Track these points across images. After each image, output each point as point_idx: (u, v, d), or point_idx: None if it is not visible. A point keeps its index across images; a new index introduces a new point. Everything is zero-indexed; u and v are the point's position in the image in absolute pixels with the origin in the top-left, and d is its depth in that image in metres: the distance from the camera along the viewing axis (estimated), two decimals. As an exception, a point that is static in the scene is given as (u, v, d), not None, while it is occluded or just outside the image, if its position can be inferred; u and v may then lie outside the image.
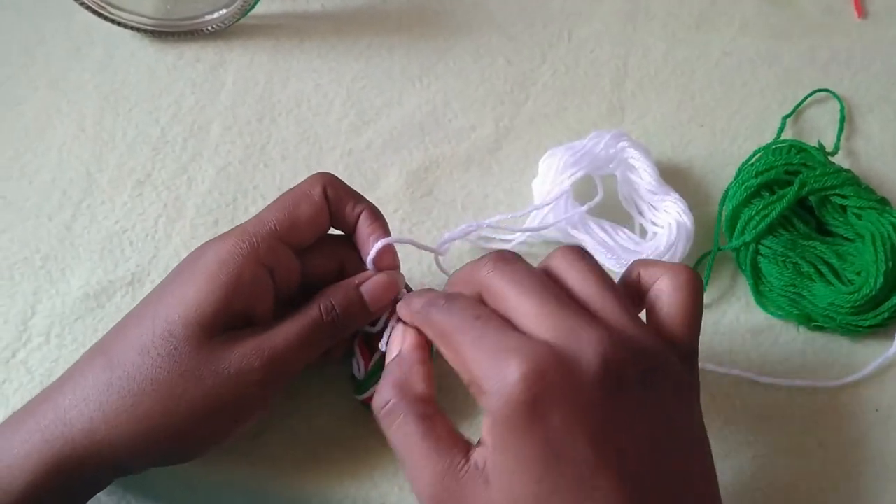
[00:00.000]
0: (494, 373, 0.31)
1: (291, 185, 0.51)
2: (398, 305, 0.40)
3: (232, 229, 0.40)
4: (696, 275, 0.36)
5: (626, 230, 0.49)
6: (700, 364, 0.45)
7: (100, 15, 0.57)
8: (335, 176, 0.42)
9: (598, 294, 0.34)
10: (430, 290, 0.40)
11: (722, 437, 0.44)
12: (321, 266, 0.42)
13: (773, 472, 0.43)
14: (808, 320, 0.47)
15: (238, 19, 0.58)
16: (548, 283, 0.34)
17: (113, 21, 0.58)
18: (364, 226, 0.42)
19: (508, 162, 0.54)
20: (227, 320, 0.37)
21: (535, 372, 0.30)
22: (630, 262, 0.39)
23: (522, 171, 0.54)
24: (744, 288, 0.49)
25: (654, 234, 0.49)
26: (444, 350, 0.35)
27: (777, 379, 0.46)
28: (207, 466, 0.42)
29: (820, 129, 0.56)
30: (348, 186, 0.42)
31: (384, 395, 0.36)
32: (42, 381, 0.45)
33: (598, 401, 0.31)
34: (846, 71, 0.59)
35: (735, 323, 0.48)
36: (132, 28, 0.58)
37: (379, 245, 0.41)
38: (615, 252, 0.48)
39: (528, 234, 0.49)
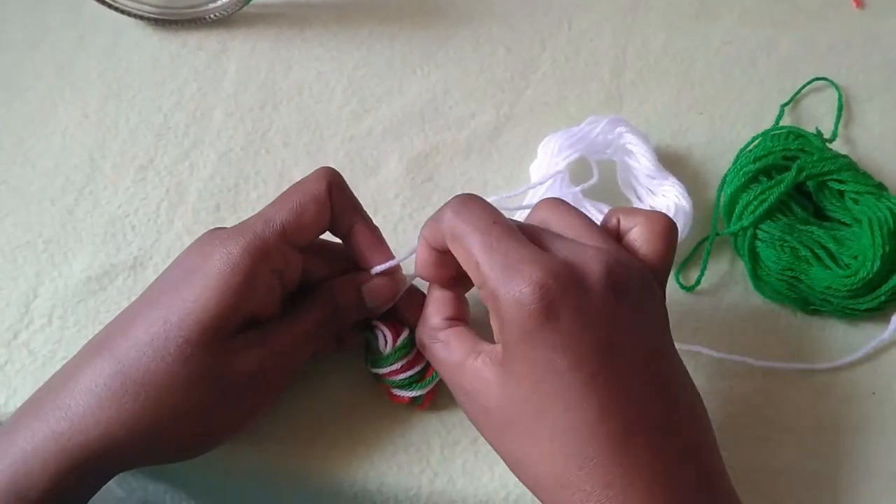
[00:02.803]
0: (509, 280, 0.33)
1: (292, 172, 0.53)
2: (422, 229, 0.40)
3: (239, 227, 0.39)
4: (671, 222, 0.38)
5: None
6: (698, 348, 0.46)
7: (104, 3, 0.58)
8: (339, 175, 0.42)
9: (586, 229, 0.37)
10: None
11: (719, 421, 0.44)
12: (318, 266, 0.42)
13: (771, 455, 0.44)
14: (806, 304, 0.47)
15: (241, 7, 0.58)
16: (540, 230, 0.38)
17: (117, 9, 0.58)
18: (363, 238, 0.42)
19: (508, 149, 0.55)
20: (238, 324, 0.38)
21: (548, 280, 0.33)
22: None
23: (522, 158, 0.54)
24: (742, 272, 0.49)
25: (653, 218, 0.49)
26: (455, 250, 0.37)
27: (774, 363, 0.46)
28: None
29: (818, 117, 0.56)
30: (349, 190, 0.42)
31: (420, 337, 0.41)
32: (44, 362, 0.45)
33: (604, 307, 0.34)
34: (844, 60, 0.59)
35: (733, 307, 0.48)
36: (136, 16, 0.59)
37: (385, 266, 0.42)
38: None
39: (523, 212, 0.50)
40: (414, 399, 0.43)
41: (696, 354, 0.46)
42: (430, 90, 0.57)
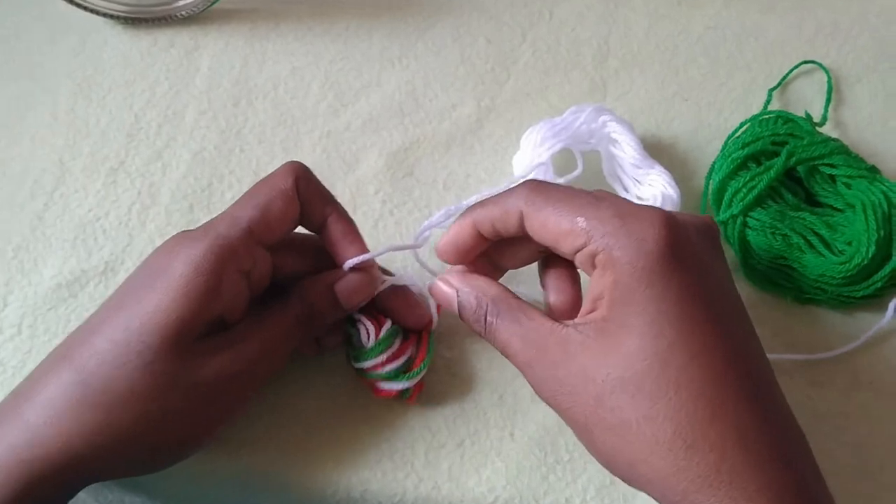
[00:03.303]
0: (626, 225, 0.33)
1: (268, 170, 0.50)
2: (468, 211, 0.38)
3: (204, 227, 0.38)
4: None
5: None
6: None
7: (72, 3, 0.56)
8: (307, 168, 0.40)
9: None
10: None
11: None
12: (290, 264, 0.41)
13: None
14: (799, 293, 0.46)
15: (212, 4, 0.57)
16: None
17: (86, 8, 0.57)
18: (336, 231, 0.40)
19: (490, 141, 0.53)
20: (204, 328, 0.36)
21: (671, 223, 0.33)
22: None
23: (505, 150, 0.52)
24: (732, 262, 0.48)
25: (640, 208, 0.48)
26: (542, 223, 0.35)
27: (769, 354, 0.45)
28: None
29: (807, 101, 0.55)
30: (319, 182, 0.41)
31: (473, 314, 0.37)
32: (15, 373, 0.44)
33: (712, 253, 0.35)
34: (832, 42, 0.58)
35: (724, 298, 0.47)
36: (105, 15, 0.57)
37: (358, 260, 0.40)
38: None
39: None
40: (402, 392, 0.41)
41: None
42: (409, 82, 0.56)
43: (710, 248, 0.35)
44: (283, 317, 0.39)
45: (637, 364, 0.32)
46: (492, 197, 0.37)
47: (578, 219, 0.33)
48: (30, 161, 0.52)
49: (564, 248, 0.34)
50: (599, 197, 0.35)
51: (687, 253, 0.32)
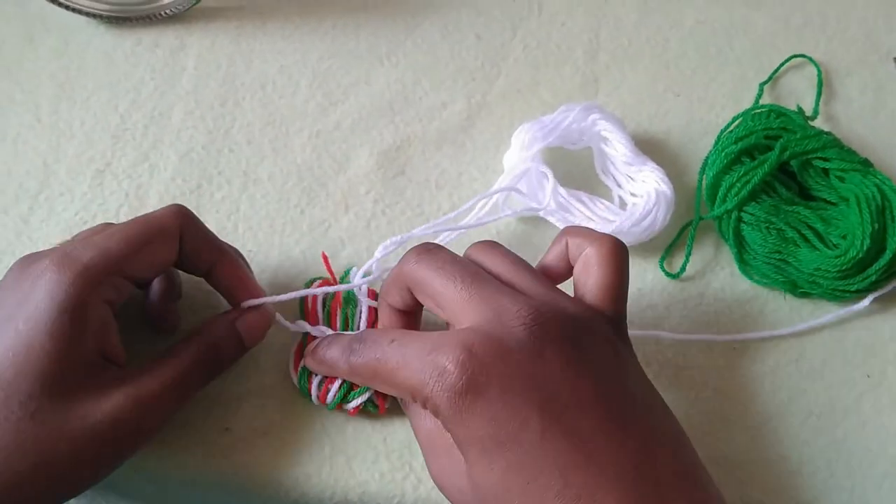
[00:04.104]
0: (429, 374, 0.32)
1: (257, 170, 0.51)
2: (380, 293, 0.40)
3: (65, 254, 0.35)
4: (620, 244, 0.37)
5: (604, 201, 0.48)
6: (686, 335, 0.44)
7: (53, 1, 0.55)
8: (191, 213, 0.39)
9: (515, 272, 0.37)
10: (332, 337, 0.41)
11: (708, 413, 0.43)
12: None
13: (765, 442, 0.42)
14: (794, 287, 0.46)
15: (197, 2, 0.56)
16: (469, 265, 0.36)
17: (67, 7, 0.55)
18: (228, 276, 0.40)
19: (482, 139, 0.53)
20: (83, 365, 0.35)
21: (465, 355, 0.32)
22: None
23: (497, 147, 0.52)
24: (727, 257, 0.48)
25: (634, 204, 0.48)
26: (378, 386, 0.37)
27: (765, 346, 0.45)
28: (178, 462, 0.41)
29: (798, 94, 0.55)
30: (206, 228, 0.40)
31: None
32: (2, 380, 0.43)
33: (530, 362, 0.32)
34: (821, 35, 0.58)
35: (720, 293, 0.47)
36: (87, 14, 0.56)
37: (257, 302, 0.41)
38: (594, 224, 0.46)
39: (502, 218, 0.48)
40: (364, 406, 0.41)
41: (683, 343, 0.44)
42: (398, 80, 0.55)
43: (544, 351, 0.32)
44: (184, 356, 0.38)
45: (486, 493, 0.32)
46: (337, 350, 0.39)
47: (397, 383, 0.34)
48: (13, 164, 0.51)
49: (404, 399, 0.37)
50: (402, 347, 0.34)
51: (493, 374, 0.31)
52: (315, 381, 0.41)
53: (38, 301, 0.34)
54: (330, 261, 0.45)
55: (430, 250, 0.37)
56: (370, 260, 0.44)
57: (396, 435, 0.41)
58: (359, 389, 0.41)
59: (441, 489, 0.36)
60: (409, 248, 0.38)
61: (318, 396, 0.41)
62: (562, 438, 0.31)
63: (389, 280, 0.39)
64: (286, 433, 0.41)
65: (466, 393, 0.31)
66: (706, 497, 0.32)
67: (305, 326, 0.42)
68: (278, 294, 0.42)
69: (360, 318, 0.42)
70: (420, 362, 0.33)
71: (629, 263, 0.38)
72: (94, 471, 0.36)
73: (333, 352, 0.39)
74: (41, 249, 0.45)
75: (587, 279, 0.37)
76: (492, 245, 0.39)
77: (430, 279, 0.36)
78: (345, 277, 0.44)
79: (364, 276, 0.43)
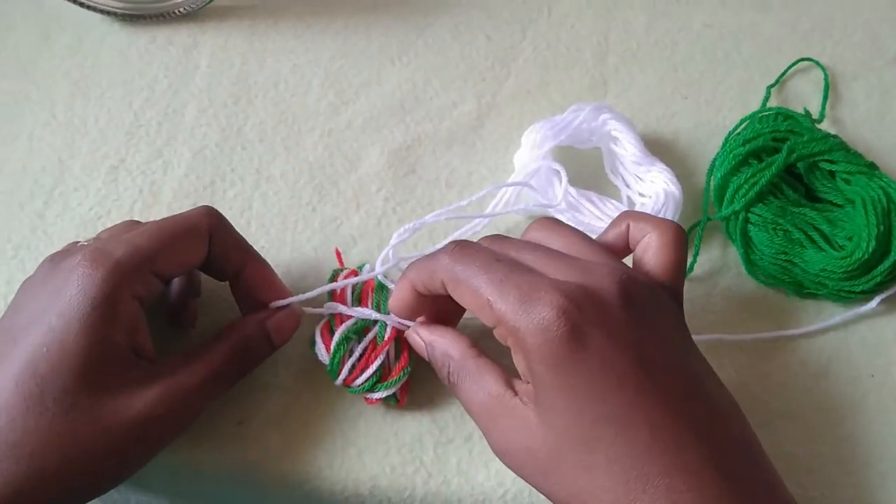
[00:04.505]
0: (528, 311, 0.32)
1: (270, 168, 0.51)
2: (406, 271, 0.39)
3: (97, 249, 0.36)
4: (682, 231, 0.38)
5: (613, 201, 0.48)
6: (693, 335, 0.45)
7: (69, -1, 0.56)
8: (223, 217, 0.40)
9: (589, 249, 0.37)
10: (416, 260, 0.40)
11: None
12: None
13: (771, 439, 0.42)
14: (800, 288, 0.47)
15: (211, 1, 0.57)
16: (541, 245, 0.37)
17: (82, 5, 0.56)
18: (257, 278, 0.41)
19: (492, 138, 0.53)
20: (116, 361, 0.35)
21: (569, 304, 0.32)
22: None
23: (506, 147, 0.53)
24: (734, 258, 0.48)
25: (643, 204, 0.48)
26: (460, 294, 0.35)
27: (771, 346, 0.45)
28: (192, 453, 0.41)
29: (804, 98, 0.55)
30: (234, 230, 0.41)
31: (440, 370, 0.38)
32: (17, 373, 0.43)
33: (627, 320, 0.33)
34: (828, 39, 0.58)
35: (727, 293, 0.47)
36: (102, 12, 0.57)
37: (285, 302, 0.41)
38: (602, 224, 0.47)
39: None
40: (386, 399, 0.41)
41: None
42: (409, 80, 0.56)
43: (634, 314, 0.33)
44: (217, 353, 0.38)
45: (569, 442, 0.32)
46: (423, 259, 0.38)
47: (488, 299, 0.34)
48: (28, 160, 0.51)
49: (484, 320, 0.35)
50: (509, 273, 0.34)
51: (595, 326, 0.32)
52: (348, 364, 0.41)
53: (71, 296, 0.34)
54: (342, 257, 0.46)
55: (501, 238, 0.38)
56: (386, 247, 0.44)
57: (408, 429, 0.42)
58: (387, 382, 0.41)
59: (503, 455, 0.35)
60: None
61: (344, 379, 0.41)
62: (653, 396, 0.32)
63: (420, 264, 0.38)
64: (298, 426, 0.42)
65: (568, 342, 0.32)
66: (767, 463, 0.34)
67: (337, 307, 0.42)
68: (302, 292, 0.42)
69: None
70: (522, 293, 0.33)
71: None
72: (126, 465, 0.36)
73: (419, 262, 0.38)
74: (57, 245, 0.46)
75: (651, 258, 0.38)
76: (554, 220, 0.39)
77: (520, 251, 0.36)
78: (360, 273, 0.45)
79: (382, 263, 0.44)
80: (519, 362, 0.34)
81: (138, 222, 0.42)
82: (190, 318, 0.43)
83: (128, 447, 0.35)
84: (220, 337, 0.39)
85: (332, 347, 0.41)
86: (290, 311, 0.41)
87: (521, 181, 0.47)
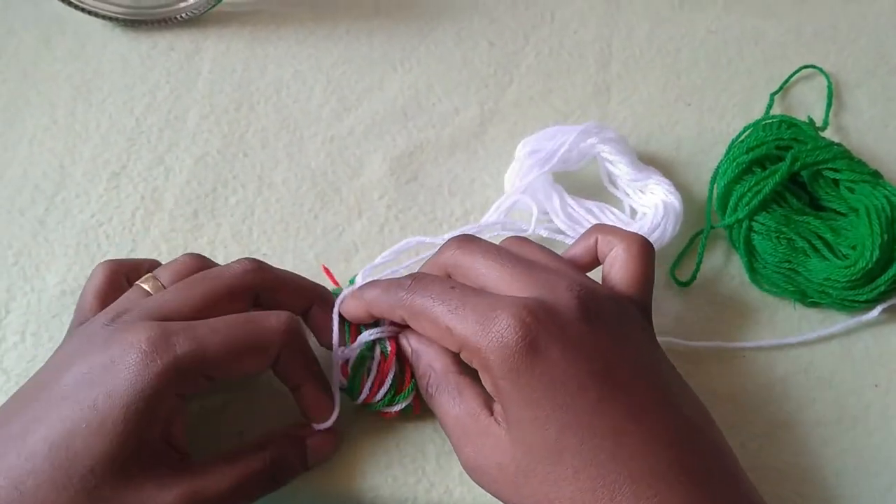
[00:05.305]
0: (486, 330, 0.33)
1: (272, 175, 0.51)
2: (364, 291, 0.39)
3: (162, 338, 0.34)
4: (648, 243, 0.39)
5: (614, 210, 0.48)
6: (696, 343, 0.45)
7: (70, 4, 0.55)
8: (300, 331, 0.38)
9: (554, 261, 0.38)
10: (376, 281, 0.40)
11: (717, 417, 0.43)
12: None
13: (772, 450, 0.43)
14: (804, 296, 0.46)
15: (213, 6, 0.56)
16: (510, 252, 0.38)
17: (83, 10, 0.56)
18: (312, 397, 0.39)
19: (494, 145, 0.53)
20: (148, 453, 0.34)
21: (528, 318, 0.33)
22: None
23: (509, 154, 0.52)
24: (738, 266, 0.48)
25: (644, 215, 0.48)
26: (421, 327, 0.37)
27: (774, 355, 0.45)
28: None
29: (808, 105, 0.55)
30: (308, 346, 0.39)
31: (420, 379, 0.39)
32: (18, 380, 0.43)
33: (586, 332, 0.34)
34: (832, 46, 0.58)
35: (730, 302, 0.47)
36: (103, 17, 0.56)
37: (330, 423, 0.40)
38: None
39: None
40: (403, 410, 0.41)
41: (693, 350, 0.45)
42: (411, 86, 0.56)
43: (593, 325, 0.34)
44: (249, 464, 0.37)
45: (537, 455, 0.33)
46: (380, 290, 0.38)
47: (447, 326, 0.35)
48: (29, 166, 0.51)
49: (448, 347, 0.36)
50: (464, 298, 0.35)
51: (553, 338, 0.33)
52: (367, 383, 0.40)
53: (123, 380, 0.34)
54: (344, 265, 0.46)
55: (470, 239, 0.39)
56: (366, 267, 0.44)
57: (409, 439, 0.42)
58: (403, 393, 0.41)
59: (474, 471, 0.36)
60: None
61: (365, 398, 0.41)
62: (616, 404, 0.32)
63: (427, 266, 0.39)
64: (300, 436, 0.42)
65: (527, 354, 0.32)
66: (738, 468, 0.34)
67: (340, 356, 0.41)
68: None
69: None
70: (479, 315, 0.34)
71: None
72: None
73: (378, 289, 0.38)
74: (58, 252, 0.45)
75: (617, 272, 0.38)
76: (523, 238, 0.41)
77: (475, 262, 0.37)
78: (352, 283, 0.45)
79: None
80: (486, 381, 0.35)
81: (204, 259, 0.41)
82: None
83: None
84: (257, 445, 0.38)
85: (349, 369, 0.40)
86: (332, 435, 0.40)
87: (493, 221, 0.47)
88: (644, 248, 0.38)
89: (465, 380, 0.37)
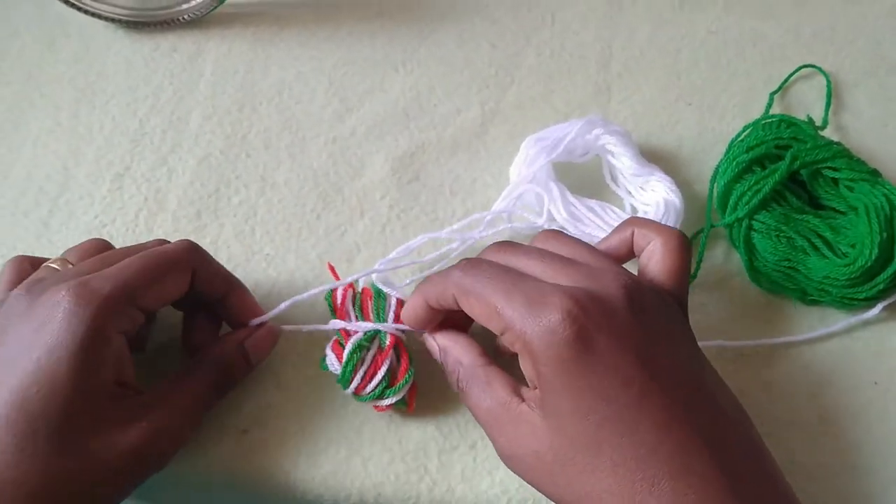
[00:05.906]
0: (535, 316, 0.33)
1: (274, 175, 0.51)
2: (420, 286, 0.40)
3: (82, 285, 0.35)
4: (686, 238, 0.39)
5: (615, 209, 0.48)
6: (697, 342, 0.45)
7: (73, 6, 0.56)
8: (204, 251, 0.41)
9: (594, 257, 0.37)
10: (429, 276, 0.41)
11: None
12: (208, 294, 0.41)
13: (774, 447, 0.42)
14: (804, 295, 0.47)
15: (215, 8, 0.57)
16: (548, 251, 0.38)
17: (87, 12, 0.56)
18: (240, 304, 0.42)
19: (496, 146, 0.53)
20: (104, 397, 0.35)
21: (575, 308, 0.33)
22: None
23: (510, 154, 0.52)
24: (738, 265, 0.49)
25: (645, 213, 0.48)
26: (469, 304, 0.36)
27: (774, 353, 0.45)
28: (197, 462, 0.41)
29: (807, 105, 0.56)
30: (216, 262, 0.41)
31: (450, 375, 0.39)
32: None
33: (633, 324, 0.33)
34: (830, 46, 0.59)
35: (730, 300, 0.48)
36: (106, 19, 0.57)
37: (264, 318, 0.42)
38: (604, 233, 0.47)
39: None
40: (395, 405, 0.42)
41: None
42: (413, 87, 0.56)
43: (640, 318, 0.34)
44: (199, 381, 0.39)
45: (575, 445, 0.33)
46: (436, 275, 0.39)
47: (496, 307, 0.35)
48: (33, 168, 0.51)
49: (492, 328, 0.36)
50: (516, 281, 0.35)
51: (601, 330, 0.33)
52: (359, 373, 0.41)
53: (59, 333, 0.34)
54: (346, 265, 0.46)
55: (509, 242, 0.39)
56: (363, 271, 0.45)
57: (412, 437, 0.42)
58: (395, 387, 0.41)
59: (510, 460, 0.36)
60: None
61: (356, 387, 0.41)
62: (658, 399, 0.32)
63: (433, 280, 0.39)
64: (302, 435, 0.42)
65: (573, 344, 0.32)
66: (776, 470, 0.35)
67: (339, 323, 0.43)
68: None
69: (389, 310, 0.43)
70: (528, 300, 0.34)
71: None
72: (119, 493, 0.36)
73: (431, 278, 0.39)
74: (61, 252, 0.46)
75: (655, 266, 0.38)
76: (557, 232, 0.40)
77: (517, 261, 0.37)
78: (356, 286, 0.45)
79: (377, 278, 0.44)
80: (526, 367, 0.35)
81: (106, 242, 0.43)
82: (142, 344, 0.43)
83: (119, 479, 0.35)
84: (201, 363, 0.40)
85: (344, 357, 0.41)
86: (268, 330, 0.42)
87: (502, 208, 0.48)
88: (682, 243, 0.38)
89: (493, 370, 0.37)
